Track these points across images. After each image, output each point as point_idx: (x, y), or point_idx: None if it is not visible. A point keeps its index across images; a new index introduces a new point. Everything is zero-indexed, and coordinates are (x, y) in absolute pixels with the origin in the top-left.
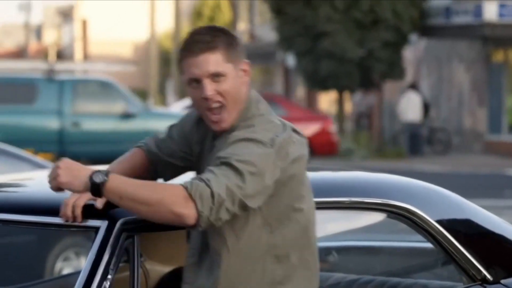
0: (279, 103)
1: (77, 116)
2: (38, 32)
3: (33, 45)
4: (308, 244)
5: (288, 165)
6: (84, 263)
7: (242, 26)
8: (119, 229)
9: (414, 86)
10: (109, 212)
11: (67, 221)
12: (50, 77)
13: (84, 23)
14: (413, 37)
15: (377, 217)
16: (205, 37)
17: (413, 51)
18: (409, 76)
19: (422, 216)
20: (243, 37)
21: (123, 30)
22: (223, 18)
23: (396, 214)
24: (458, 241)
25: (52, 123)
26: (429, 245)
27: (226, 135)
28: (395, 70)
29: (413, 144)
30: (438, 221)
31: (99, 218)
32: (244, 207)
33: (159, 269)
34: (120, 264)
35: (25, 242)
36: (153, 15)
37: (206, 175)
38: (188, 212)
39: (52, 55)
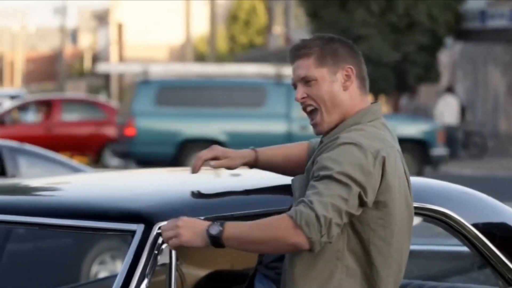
0: (100, 107)
1: (304, 120)
2: (74, 35)
3: (68, 49)
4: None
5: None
6: (120, 267)
7: (277, 30)
8: (156, 233)
9: (450, 89)
10: (146, 215)
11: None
12: (278, 81)
13: (120, 27)
14: (449, 40)
15: (414, 220)
16: (301, 44)
17: (448, 55)
18: (444, 80)
19: (458, 219)
20: (278, 40)
21: (159, 34)
22: (259, 22)
23: (433, 218)
24: (494, 245)
25: (280, 127)
26: (465, 248)
27: (331, 136)
28: (430, 73)
29: (450, 148)
30: (474, 225)
31: (135, 221)
32: (352, 215)
33: (195, 273)
34: (157, 268)
35: (62, 246)
36: (189, 18)
37: (309, 197)
38: (300, 240)
39: (87, 58)
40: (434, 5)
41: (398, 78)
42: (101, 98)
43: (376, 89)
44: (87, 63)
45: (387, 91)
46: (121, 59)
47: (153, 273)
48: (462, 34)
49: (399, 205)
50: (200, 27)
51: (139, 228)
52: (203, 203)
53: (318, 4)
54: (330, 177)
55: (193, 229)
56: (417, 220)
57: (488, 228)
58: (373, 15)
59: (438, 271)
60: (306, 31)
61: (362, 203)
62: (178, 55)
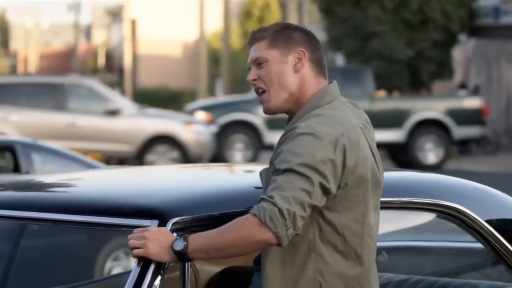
0: None
1: None
2: (87, 32)
3: (82, 45)
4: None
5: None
6: (134, 263)
7: None
8: (170, 229)
9: (464, 86)
10: (160, 212)
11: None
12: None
13: (133, 23)
14: (462, 37)
15: (427, 217)
16: (257, 29)
17: (462, 51)
18: (458, 76)
19: (471, 216)
20: None
21: (172, 30)
22: (272, 18)
23: (446, 214)
24: (508, 241)
25: None
26: (479, 245)
27: (290, 125)
28: (444, 70)
29: (463, 144)
30: (488, 221)
31: (149, 217)
32: (316, 207)
33: (209, 269)
34: (171, 264)
35: (76, 242)
36: (202, 15)
37: (269, 192)
38: (267, 237)
39: (101, 55)
40: (448, 2)
41: (412, 74)
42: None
43: (389, 86)
44: (101, 60)
45: (401, 88)
46: (135, 55)
47: (167, 269)
48: (476, 31)
49: (365, 184)
50: (214, 24)
51: (153, 224)
52: (217, 199)
53: (332, 0)
54: (290, 170)
55: (159, 242)
56: (430, 216)
57: (501, 224)
58: (387, 11)
59: (451, 268)
60: (320, 28)
61: (325, 191)
62: (192, 51)
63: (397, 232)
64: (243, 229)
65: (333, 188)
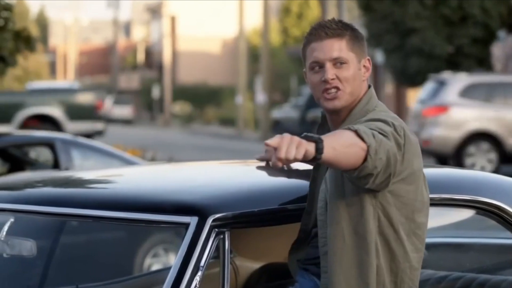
0: None
1: None
2: (127, 28)
3: (122, 42)
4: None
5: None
6: (173, 260)
7: None
8: (209, 226)
9: None
10: (199, 208)
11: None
12: None
13: (173, 20)
14: (502, 33)
15: (467, 213)
16: (332, 25)
17: (501, 48)
18: (497, 73)
19: (511, 212)
20: None
21: (212, 26)
22: (312, 15)
23: (485, 210)
24: None
25: None
26: None
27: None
28: (483, 66)
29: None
30: None
31: (189, 214)
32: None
33: (249, 265)
34: (210, 260)
35: (115, 239)
36: (242, 11)
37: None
38: (363, 145)
39: (140, 51)
40: None
41: (451, 71)
42: (155, 91)
43: None
44: (140, 56)
45: None
46: (174, 52)
47: (207, 265)
48: None
49: (417, 181)
50: (253, 20)
51: (193, 220)
52: (257, 196)
53: None
54: (385, 122)
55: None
56: (469, 213)
57: None
58: (426, 7)
59: (491, 264)
60: (359, 24)
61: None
62: (231, 48)
63: (437, 228)
64: (351, 137)
65: (399, 168)
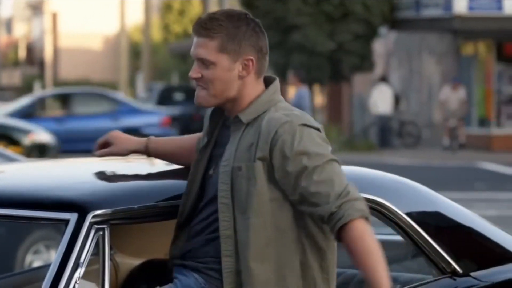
0: None
1: None
2: (8, 25)
3: (3, 38)
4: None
5: None
6: (54, 256)
7: None
8: (89, 222)
9: (384, 79)
10: (79, 205)
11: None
12: None
13: (54, 16)
14: (383, 30)
15: None
16: (208, 23)
17: (383, 44)
18: (379, 69)
19: (391, 208)
20: None
21: (93, 23)
22: (193, 11)
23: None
24: (428, 234)
25: None
26: (399, 237)
27: (241, 123)
28: (365, 63)
29: (383, 137)
30: (408, 214)
31: (69, 210)
32: None
33: (129, 262)
34: (91, 257)
35: None
36: (123, 8)
37: (335, 190)
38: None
39: (22, 48)
40: None
41: (333, 67)
42: (36, 88)
43: (310, 79)
44: (21, 53)
45: (322, 81)
46: (56, 48)
47: (87, 262)
48: (397, 23)
49: None
50: (135, 17)
51: (72, 217)
52: (137, 192)
53: None
54: (328, 161)
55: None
56: None
57: (421, 217)
58: (308, 4)
59: None
60: None
61: None
62: (113, 44)
63: None
64: (369, 236)
65: None
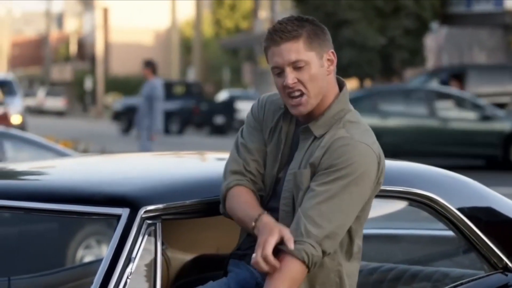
0: None
1: None
2: (59, 20)
3: (54, 34)
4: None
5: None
6: (105, 251)
7: (263, 14)
8: (141, 217)
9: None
10: (131, 200)
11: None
12: None
13: (105, 11)
14: (434, 24)
15: (399, 205)
16: (287, 27)
17: (434, 39)
18: (430, 64)
19: (443, 204)
20: (264, 25)
21: (144, 18)
22: (245, 6)
23: (418, 202)
24: (480, 229)
25: None
26: (450, 233)
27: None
28: (416, 57)
29: None
30: (460, 209)
31: (120, 206)
32: None
33: (180, 257)
34: (142, 252)
35: (47, 231)
36: (174, 2)
37: (315, 229)
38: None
39: (73, 43)
40: None
41: (384, 62)
42: (87, 82)
43: (361, 74)
44: (72, 48)
45: (373, 76)
46: (107, 43)
47: (138, 257)
48: (448, 18)
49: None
50: (186, 12)
51: (124, 212)
52: (189, 187)
53: None
54: (333, 201)
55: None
56: (402, 204)
57: (473, 213)
58: None
59: (423, 256)
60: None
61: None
62: (164, 39)
63: (369, 220)
64: (295, 277)
65: None
